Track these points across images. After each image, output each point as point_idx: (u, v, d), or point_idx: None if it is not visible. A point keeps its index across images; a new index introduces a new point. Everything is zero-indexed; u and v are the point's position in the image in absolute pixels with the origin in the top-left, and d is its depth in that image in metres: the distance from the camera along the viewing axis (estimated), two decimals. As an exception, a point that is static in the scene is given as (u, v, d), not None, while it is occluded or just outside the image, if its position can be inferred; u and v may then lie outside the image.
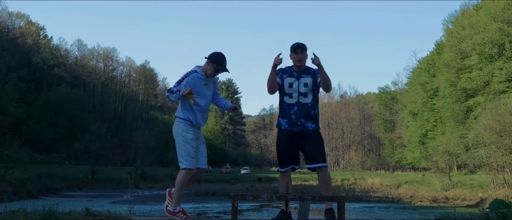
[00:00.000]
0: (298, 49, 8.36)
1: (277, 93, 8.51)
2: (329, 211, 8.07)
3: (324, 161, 8.26)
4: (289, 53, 8.54)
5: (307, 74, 8.39)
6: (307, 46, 8.47)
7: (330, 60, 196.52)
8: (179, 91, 8.26)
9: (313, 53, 8.17)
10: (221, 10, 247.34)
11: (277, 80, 8.38)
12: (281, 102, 8.49)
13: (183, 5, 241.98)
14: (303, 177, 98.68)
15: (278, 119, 8.61)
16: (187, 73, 8.60)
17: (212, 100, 8.93)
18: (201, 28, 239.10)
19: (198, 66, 8.72)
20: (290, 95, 8.33)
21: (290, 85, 8.32)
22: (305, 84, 8.30)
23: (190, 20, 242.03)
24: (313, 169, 8.25)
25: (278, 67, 8.38)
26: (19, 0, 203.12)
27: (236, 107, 8.90)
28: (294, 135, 8.28)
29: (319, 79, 8.30)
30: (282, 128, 8.42)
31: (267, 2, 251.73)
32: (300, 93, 8.29)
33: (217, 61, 8.54)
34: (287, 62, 8.51)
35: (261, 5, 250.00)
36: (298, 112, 8.27)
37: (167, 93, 8.54)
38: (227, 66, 8.62)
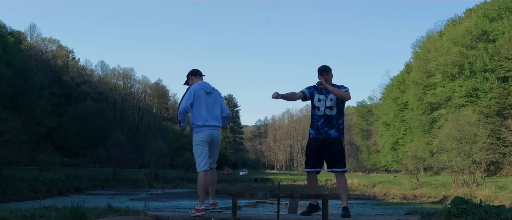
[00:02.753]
0: (324, 72, 8.61)
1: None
2: (345, 209, 8.14)
3: (343, 166, 8.46)
4: (317, 74, 8.70)
5: None
6: (330, 67, 8.74)
7: (316, 79, 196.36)
8: None
9: (318, 82, 8.44)
10: (221, 37, 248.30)
11: (307, 93, 8.73)
12: (312, 115, 8.76)
13: (190, 33, 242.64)
14: (293, 177, 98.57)
15: (310, 129, 8.80)
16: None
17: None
18: (206, 51, 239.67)
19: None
20: (318, 109, 8.55)
21: (319, 100, 8.56)
22: (331, 99, 8.50)
23: (197, 44, 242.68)
24: (333, 172, 8.44)
25: (311, 85, 8.80)
26: (52, 27, 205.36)
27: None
28: (319, 141, 8.47)
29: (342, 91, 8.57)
30: (311, 136, 8.64)
31: (259, 30, 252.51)
32: (326, 107, 8.50)
33: None
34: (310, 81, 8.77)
35: (252, 33, 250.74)
36: (323, 122, 8.49)
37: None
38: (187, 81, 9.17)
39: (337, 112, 8.55)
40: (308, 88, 8.79)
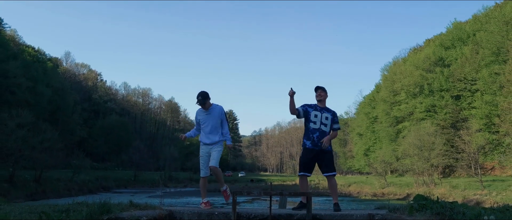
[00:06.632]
0: (318, 89, 8.69)
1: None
2: (336, 204, 8.28)
3: (334, 171, 8.52)
4: (315, 93, 8.76)
5: (328, 112, 8.64)
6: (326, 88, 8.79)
7: (304, 97, 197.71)
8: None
9: (321, 143, 8.42)
10: (225, 61, 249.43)
11: (301, 111, 8.59)
12: (307, 127, 8.62)
13: (198, 59, 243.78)
14: (282, 178, 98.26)
15: (303, 140, 8.72)
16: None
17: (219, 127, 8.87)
18: (211, 73, 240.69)
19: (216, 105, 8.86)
20: (315, 123, 8.50)
21: (315, 116, 8.52)
22: (326, 118, 8.54)
23: (204, 68, 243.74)
24: (327, 177, 8.49)
25: (306, 103, 8.75)
26: (83, 54, 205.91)
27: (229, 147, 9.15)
28: (316, 152, 8.44)
29: (335, 125, 8.70)
30: (307, 147, 8.54)
31: (256, 56, 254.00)
32: (322, 123, 8.50)
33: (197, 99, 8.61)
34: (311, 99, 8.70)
35: (250, 58, 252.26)
36: (319, 136, 8.43)
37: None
38: (200, 101, 8.59)
39: (330, 130, 8.57)
40: (302, 107, 8.70)
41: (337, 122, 8.72)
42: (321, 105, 8.66)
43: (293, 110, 8.52)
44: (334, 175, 8.52)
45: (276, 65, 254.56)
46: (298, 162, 8.92)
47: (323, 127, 8.49)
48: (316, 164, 8.67)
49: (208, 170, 8.72)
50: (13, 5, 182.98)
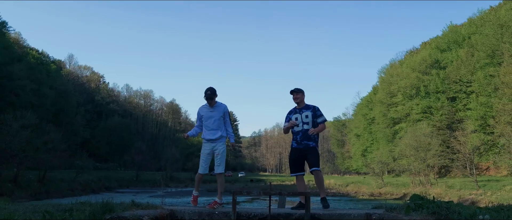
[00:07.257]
0: (293, 92, 8.76)
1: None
2: (323, 199, 8.44)
3: (318, 166, 8.51)
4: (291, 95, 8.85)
5: (307, 109, 8.71)
6: (302, 89, 8.86)
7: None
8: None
9: (309, 131, 8.54)
10: (225, 64, 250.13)
11: (287, 125, 8.78)
12: (292, 131, 8.77)
13: (199, 61, 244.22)
14: (281, 178, 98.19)
15: (292, 141, 8.86)
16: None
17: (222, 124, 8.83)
18: (212, 76, 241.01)
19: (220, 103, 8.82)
20: (297, 125, 8.62)
21: (296, 119, 8.65)
22: (306, 116, 8.62)
23: (204, 71, 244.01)
24: (311, 172, 8.55)
25: (289, 110, 8.94)
26: (86, 56, 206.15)
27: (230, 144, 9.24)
28: (300, 151, 8.57)
29: (319, 119, 8.72)
30: (293, 147, 8.73)
31: (255, 59, 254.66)
32: (303, 123, 8.61)
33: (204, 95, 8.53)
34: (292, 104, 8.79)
35: (250, 61, 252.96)
36: (302, 136, 8.56)
37: None
38: (208, 95, 8.48)
39: (312, 126, 8.59)
40: (286, 118, 8.92)
41: (321, 115, 8.75)
42: (299, 107, 8.77)
43: (286, 132, 8.98)
44: (318, 170, 8.52)
45: (275, 67, 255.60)
46: None
47: (305, 126, 8.60)
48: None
49: (207, 169, 8.68)
50: (17, 8, 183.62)
